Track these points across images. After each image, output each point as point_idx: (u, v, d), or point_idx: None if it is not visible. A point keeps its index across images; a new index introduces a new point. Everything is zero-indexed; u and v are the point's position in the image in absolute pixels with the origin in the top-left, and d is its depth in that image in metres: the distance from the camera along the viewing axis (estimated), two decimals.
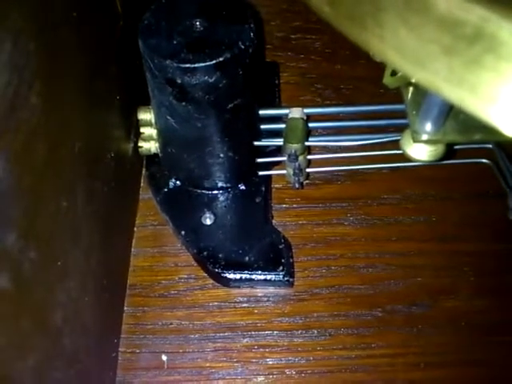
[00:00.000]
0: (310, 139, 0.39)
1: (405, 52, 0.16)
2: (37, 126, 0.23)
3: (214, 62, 0.31)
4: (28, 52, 0.22)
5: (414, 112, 0.27)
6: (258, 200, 0.39)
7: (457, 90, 0.16)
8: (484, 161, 0.38)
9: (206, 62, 0.31)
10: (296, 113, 0.38)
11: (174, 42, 0.32)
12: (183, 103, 0.33)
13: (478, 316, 0.36)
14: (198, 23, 0.33)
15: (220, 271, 0.36)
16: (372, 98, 0.42)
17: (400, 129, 0.32)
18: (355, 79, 0.46)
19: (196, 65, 0.31)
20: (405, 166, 0.39)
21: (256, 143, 0.39)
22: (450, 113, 0.26)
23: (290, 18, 0.50)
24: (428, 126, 0.27)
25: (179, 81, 0.31)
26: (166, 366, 0.34)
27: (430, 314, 0.36)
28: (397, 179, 0.41)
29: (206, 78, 0.31)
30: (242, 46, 0.32)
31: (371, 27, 0.17)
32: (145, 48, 0.32)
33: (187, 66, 0.31)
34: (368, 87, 0.44)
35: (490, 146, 0.38)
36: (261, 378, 0.34)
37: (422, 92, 0.27)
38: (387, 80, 0.27)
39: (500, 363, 0.34)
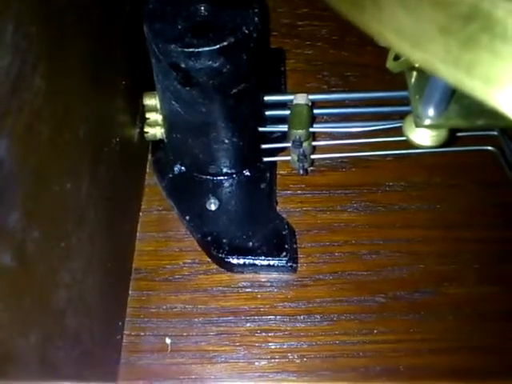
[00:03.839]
0: (315, 126, 0.39)
1: (402, 33, 0.16)
2: (40, 108, 0.23)
3: (217, 46, 0.31)
4: (31, 34, 0.22)
5: (417, 97, 0.27)
6: (262, 186, 0.39)
7: (453, 71, 0.16)
8: (489, 148, 0.38)
9: (209, 46, 0.31)
10: (301, 99, 0.38)
11: (179, 27, 0.32)
12: (187, 88, 0.33)
13: (481, 303, 0.36)
14: (202, 8, 0.33)
15: (224, 256, 0.36)
16: (378, 84, 0.42)
17: (405, 116, 0.32)
18: (362, 66, 0.46)
19: (200, 49, 0.31)
20: (410, 153, 0.39)
21: (261, 129, 0.39)
22: (453, 97, 0.26)
23: (297, 5, 0.49)
24: (430, 111, 0.27)
25: (183, 65, 0.31)
26: (169, 349, 0.35)
27: (433, 301, 0.36)
28: (402, 166, 0.41)
29: (210, 62, 0.31)
30: (246, 31, 0.32)
31: (370, 8, 0.17)
32: (149, 32, 0.32)
33: (191, 50, 0.31)
34: (375, 74, 0.44)
35: (496, 133, 0.37)
36: (263, 362, 0.34)
37: (424, 76, 0.27)
38: (390, 64, 0.27)
39: (503, 350, 0.34)
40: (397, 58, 0.27)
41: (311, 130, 0.38)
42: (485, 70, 0.15)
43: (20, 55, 0.21)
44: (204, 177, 0.39)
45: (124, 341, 0.35)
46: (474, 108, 0.26)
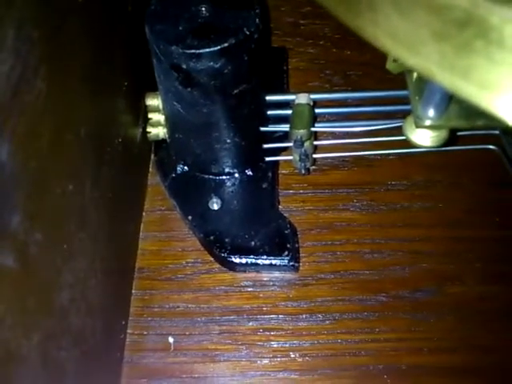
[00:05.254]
0: (317, 125, 0.39)
1: (397, 37, 0.16)
2: (42, 110, 0.23)
3: (218, 47, 0.31)
4: (32, 38, 0.22)
5: (417, 97, 0.27)
6: (264, 185, 0.39)
7: (449, 76, 0.16)
8: (491, 147, 0.38)
9: (210, 47, 0.31)
10: (302, 98, 0.38)
11: (180, 28, 0.32)
12: (189, 89, 0.33)
13: (482, 302, 0.36)
14: (203, 9, 0.33)
15: (226, 255, 0.37)
16: (381, 83, 0.42)
17: (407, 115, 0.32)
18: (364, 65, 0.45)
19: (201, 50, 0.31)
20: (412, 152, 0.39)
21: (263, 129, 0.39)
22: (453, 98, 0.26)
23: (300, 4, 0.49)
24: (431, 112, 0.27)
25: (185, 66, 0.32)
26: (172, 348, 0.35)
27: (434, 300, 0.36)
28: (404, 165, 0.41)
29: (211, 63, 0.31)
30: (247, 32, 0.32)
31: (364, 11, 0.17)
32: (151, 34, 0.32)
33: (192, 51, 0.31)
34: (377, 73, 0.44)
35: (497, 132, 0.38)
36: (265, 361, 0.35)
37: (424, 77, 0.27)
38: (390, 65, 0.27)
39: (504, 349, 0.34)
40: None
41: (313, 129, 0.38)
42: (480, 75, 0.15)
43: (21, 59, 0.21)
44: (206, 176, 0.39)
45: (127, 340, 0.35)
46: (475, 109, 0.26)
